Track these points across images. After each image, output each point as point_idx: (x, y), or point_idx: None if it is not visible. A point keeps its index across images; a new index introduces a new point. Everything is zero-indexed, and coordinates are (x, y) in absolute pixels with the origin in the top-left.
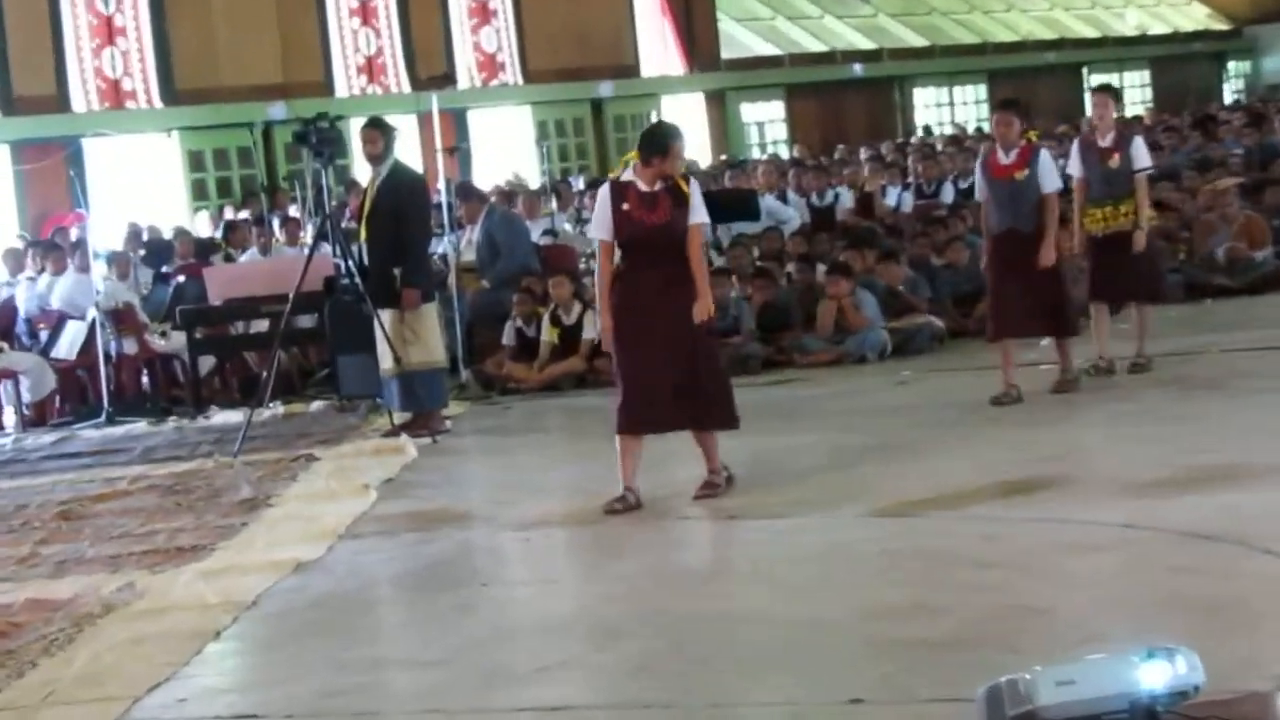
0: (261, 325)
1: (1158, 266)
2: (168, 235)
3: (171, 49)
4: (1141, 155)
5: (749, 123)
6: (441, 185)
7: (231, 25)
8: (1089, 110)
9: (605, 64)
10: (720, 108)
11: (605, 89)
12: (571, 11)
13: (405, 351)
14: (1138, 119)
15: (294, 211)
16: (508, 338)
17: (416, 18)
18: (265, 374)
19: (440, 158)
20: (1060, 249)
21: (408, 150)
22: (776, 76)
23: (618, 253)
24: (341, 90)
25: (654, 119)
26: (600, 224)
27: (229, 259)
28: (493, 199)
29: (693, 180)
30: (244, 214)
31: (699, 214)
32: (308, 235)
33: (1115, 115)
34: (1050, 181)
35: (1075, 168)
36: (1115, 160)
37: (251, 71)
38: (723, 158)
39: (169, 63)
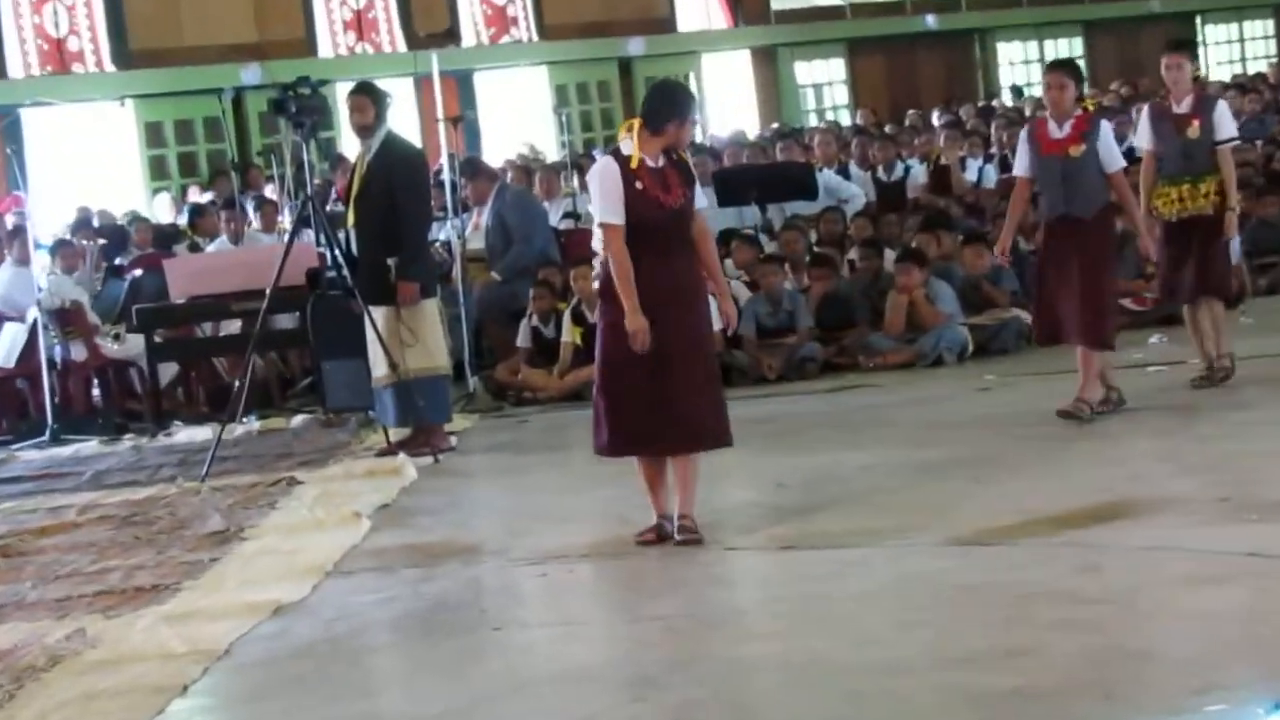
0: (233, 326)
1: (1230, 256)
2: (122, 221)
3: (125, 3)
4: (1226, 123)
5: (804, 85)
6: (444, 160)
7: None
8: (1164, 72)
9: (634, 18)
10: (770, 67)
11: (635, 47)
12: None
13: (402, 356)
14: (1260, 76)
15: (270, 192)
16: (523, 339)
17: None
18: (238, 383)
19: (442, 128)
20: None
21: (404, 120)
22: (836, 30)
23: None
24: (325, 50)
25: (692, 81)
26: (612, 205)
27: (194, 249)
28: (504, 176)
29: (691, 158)
30: (211, 196)
31: (700, 197)
32: (286, 220)
33: (1193, 77)
34: (1114, 158)
35: (1145, 139)
36: (1194, 129)
37: (220, 29)
38: (774, 126)
39: (121, 19)
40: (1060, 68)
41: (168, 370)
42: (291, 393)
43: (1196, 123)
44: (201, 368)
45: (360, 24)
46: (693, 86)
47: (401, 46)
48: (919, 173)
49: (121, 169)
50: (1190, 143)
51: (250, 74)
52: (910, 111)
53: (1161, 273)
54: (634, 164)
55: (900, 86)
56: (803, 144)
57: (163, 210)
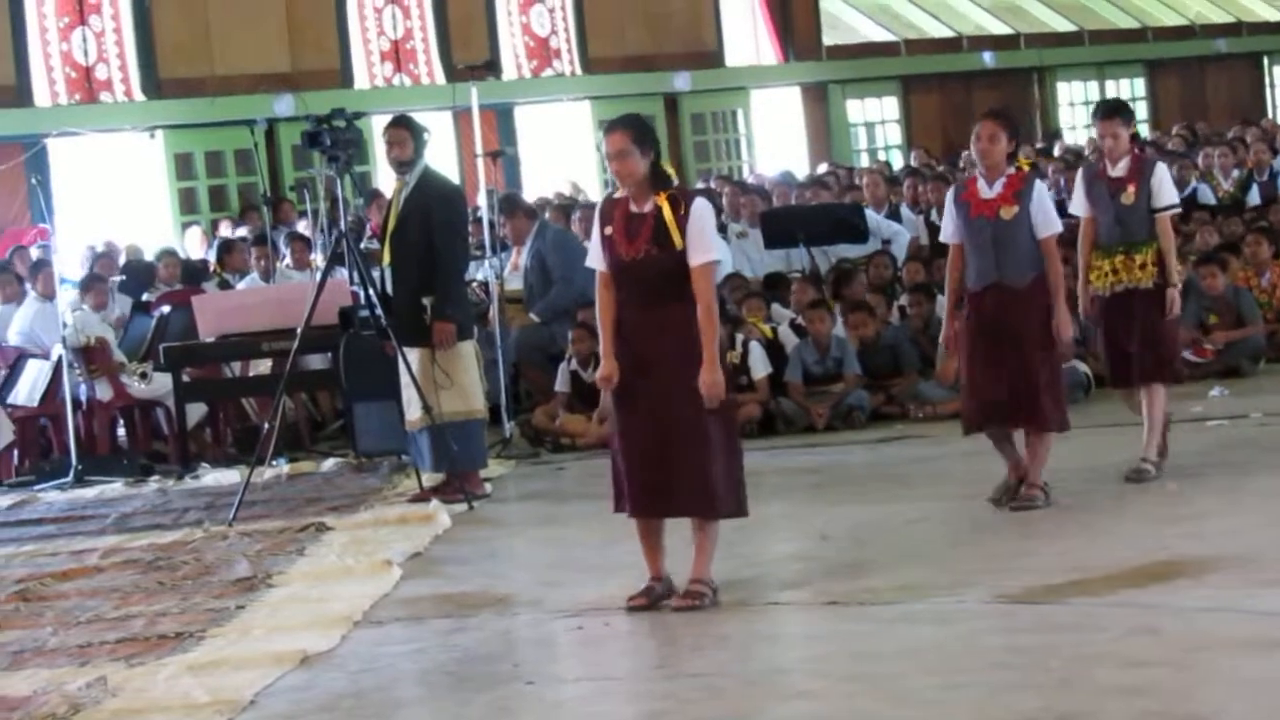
0: (263, 366)
1: (1175, 336)
2: (149, 256)
3: (155, 30)
4: (1166, 189)
5: (856, 123)
6: (482, 197)
7: (228, 1)
8: (1100, 141)
9: (681, 51)
10: (821, 105)
11: (681, 81)
12: None
13: (437, 399)
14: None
15: (303, 228)
16: (561, 383)
17: None
18: (267, 425)
19: (481, 163)
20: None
21: (441, 154)
22: (890, 67)
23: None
24: (362, 81)
25: (740, 117)
26: (593, 248)
27: (224, 285)
28: (544, 214)
29: (697, 201)
30: (242, 231)
31: (702, 249)
32: (319, 257)
33: (1131, 137)
34: (1048, 222)
35: (1079, 205)
36: (1129, 194)
37: (252, 58)
38: (823, 167)
39: (151, 47)
40: (993, 117)
41: (195, 411)
42: (322, 435)
43: (1133, 188)
44: (230, 408)
45: (398, 54)
46: (740, 123)
47: (440, 78)
48: None
49: (150, 202)
50: (1125, 209)
51: (283, 105)
52: (965, 152)
53: (1104, 354)
54: (615, 207)
55: (956, 126)
56: (843, 184)
57: (192, 245)
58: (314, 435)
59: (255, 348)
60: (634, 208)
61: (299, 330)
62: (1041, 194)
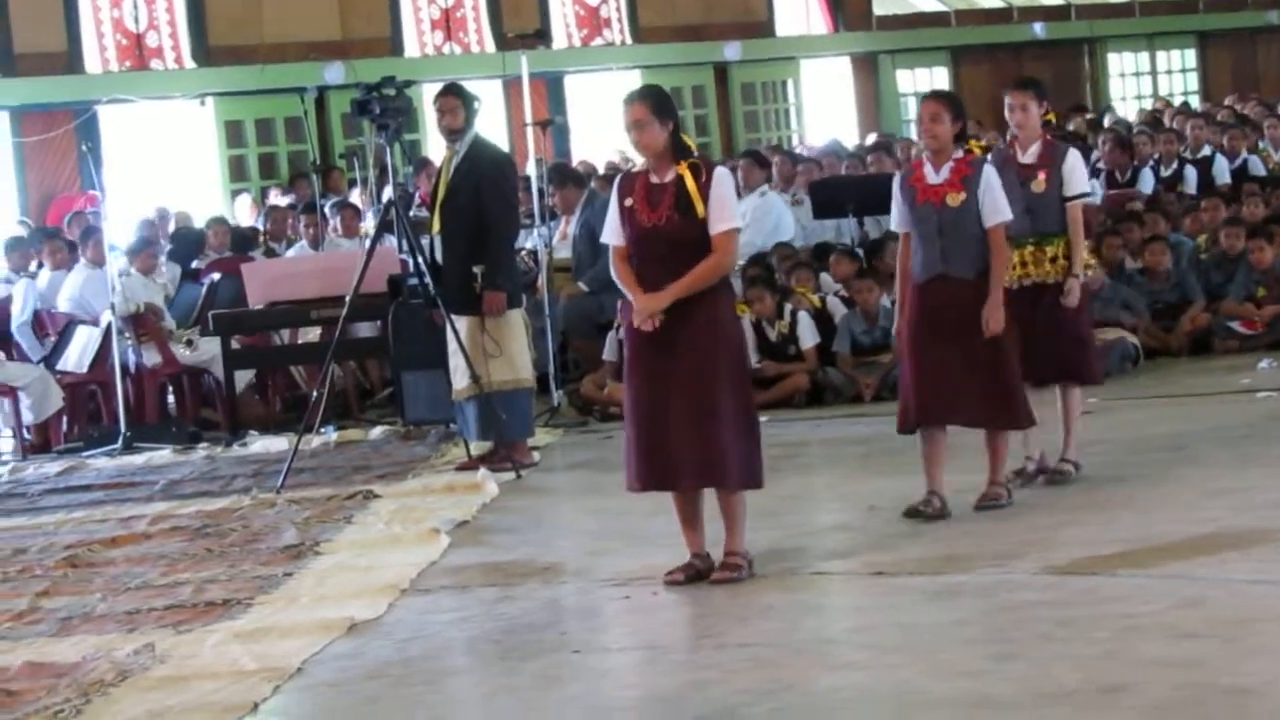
0: (312, 334)
1: (1089, 332)
2: (199, 224)
3: (205, 1)
4: (1078, 176)
5: (906, 94)
6: (532, 166)
7: None
8: (1007, 114)
9: (732, 21)
10: (871, 75)
11: (731, 51)
12: None
13: (486, 368)
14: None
15: (353, 197)
16: (609, 352)
17: None
18: (316, 393)
19: (530, 132)
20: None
21: (492, 123)
22: (939, 38)
23: None
24: (412, 49)
25: (790, 88)
26: (610, 223)
27: (272, 253)
28: (594, 184)
29: (718, 171)
30: (291, 199)
31: (724, 217)
32: (368, 225)
33: (1042, 118)
34: (996, 210)
35: (899, 218)
36: (1040, 182)
37: (302, 25)
38: (872, 137)
39: (202, 15)
40: (937, 98)
41: (244, 378)
42: (370, 403)
43: (1043, 175)
44: (278, 376)
45: (448, 23)
46: (790, 93)
47: (490, 47)
48: None
49: (200, 169)
50: (1035, 198)
51: (333, 73)
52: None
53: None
54: (635, 180)
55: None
56: (895, 155)
57: (242, 213)
58: (362, 403)
59: (304, 315)
60: (655, 178)
61: (348, 298)
62: (991, 179)
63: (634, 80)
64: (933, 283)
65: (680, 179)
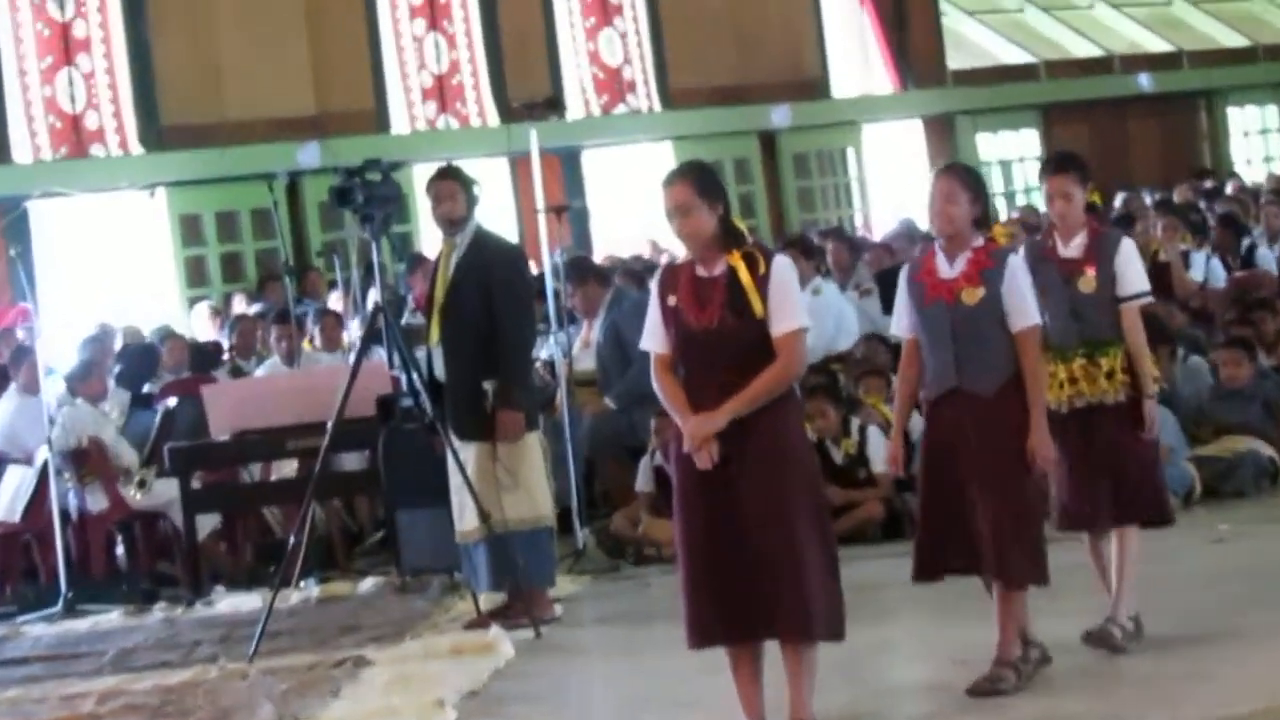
0: (288, 469)
1: (1155, 459)
2: (151, 338)
3: (156, 69)
4: (1133, 271)
5: (989, 161)
6: (546, 261)
7: (242, 33)
8: (1047, 204)
9: (779, 80)
10: (947, 139)
11: (780, 116)
12: (730, 7)
13: (498, 504)
14: None
15: (334, 302)
16: (643, 481)
17: (507, 18)
18: (293, 539)
19: (543, 220)
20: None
21: (496, 210)
22: (1027, 94)
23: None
24: (400, 124)
25: (851, 158)
26: (651, 327)
27: (238, 372)
28: (619, 280)
29: (778, 260)
30: (260, 306)
31: (787, 315)
32: (353, 336)
33: (1086, 200)
34: (1024, 311)
35: (902, 320)
36: (1088, 279)
37: (271, 100)
38: None
39: (151, 89)
40: (952, 173)
41: (207, 523)
42: (359, 550)
43: (1091, 271)
44: (249, 519)
45: (442, 92)
46: (850, 164)
47: (493, 119)
48: None
49: (151, 273)
50: (1083, 299)
51: (308, 154)
52: (1120, 194)
53: (1058, 489)
54: (679, 274)
55: (1108, 162)
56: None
57: (201, 324)
58: (350, 550)
59: (278, 446)
60: (702, 272)
61: (330, 424)
62: (1016, 273)
63: (664, 153)
64: (947, 399)
65: (732, 271)
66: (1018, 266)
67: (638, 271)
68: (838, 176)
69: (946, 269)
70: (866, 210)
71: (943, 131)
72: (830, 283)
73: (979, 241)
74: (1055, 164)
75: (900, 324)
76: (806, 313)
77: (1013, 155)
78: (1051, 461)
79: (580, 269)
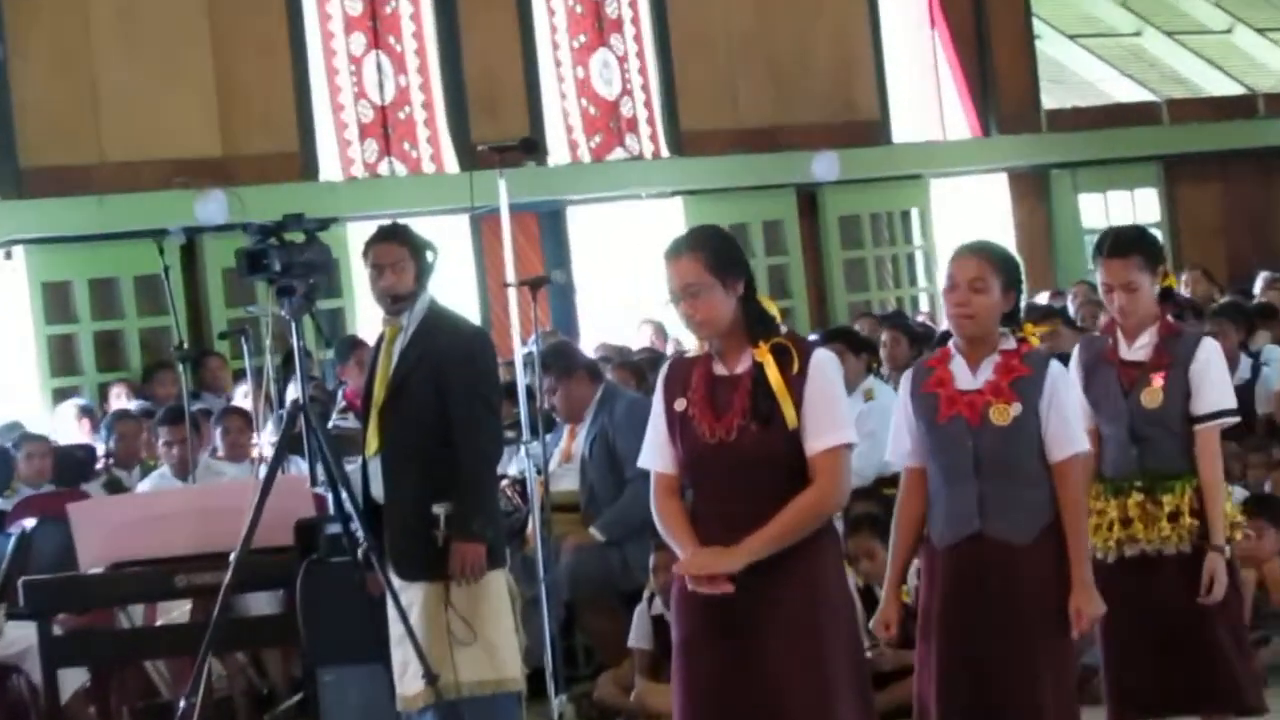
0: (178, 611)
1: (1240, 634)
2: (2, 440)
3: (15, 99)
4: (1213, 381)
5: (1094, 229)
6: (518, 350)
7: (127, 53)
8: (1104, 294)
9: (824, 120)
10: (1040, 200)
11: (824, 166)
12: (762, 27)
13: (450, 662)
14: None
15: (241, 398)
16: (639, 635)
17: (472, 35)
18: (184, 702)
19: (514, 297)
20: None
21: (455, 283)
22: (1144, 141)
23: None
24: (331, 170)
25: (915, 222)
26: (650, 440)
27: (116, 486)
28: (612, 375)
29: (817, 356)
30: (145, 403)
31: (827, 425)
32: (265, 443)
33: (1159, 286)
34: (1069, 435)
35: (903, 448)
36: (1155, 392)
37: (163, 137)
38: (1043, 297)
39: (9, 123)
40: (978, 253)
41: (73, 679)
42: (270, 718)
43: (1159, 381)
44: (127, 676)
45: (386, 129)
46: (915, 229)
47: (452, 165)
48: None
49: (7, 356)
50: (1146, 417)
51: (211, 207)
52: (1263, 274)
53: (1106, 664)
54: (691, 370)
55: (1249, 231)
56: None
57: (67, 425)
58: (258, 718)
59: (166, 583)
60: (720, 369)
61: (233, 556)
62: (1058, 386)
63: (673, 212)
64: (965, 548)
65: (759, 369)
66: (1059, 377)
67: (637, 364)
68: (898, 246)
69: (967, 378)
70: (935, 289)
71: (1034, 189)
72: (886, 385)
73: (1010, 344)
74: (1113, 245)
75: (900, 448)
76: (853, 424)
77: (1124, 220)
78: (1096, 621)
79: (562, 360)
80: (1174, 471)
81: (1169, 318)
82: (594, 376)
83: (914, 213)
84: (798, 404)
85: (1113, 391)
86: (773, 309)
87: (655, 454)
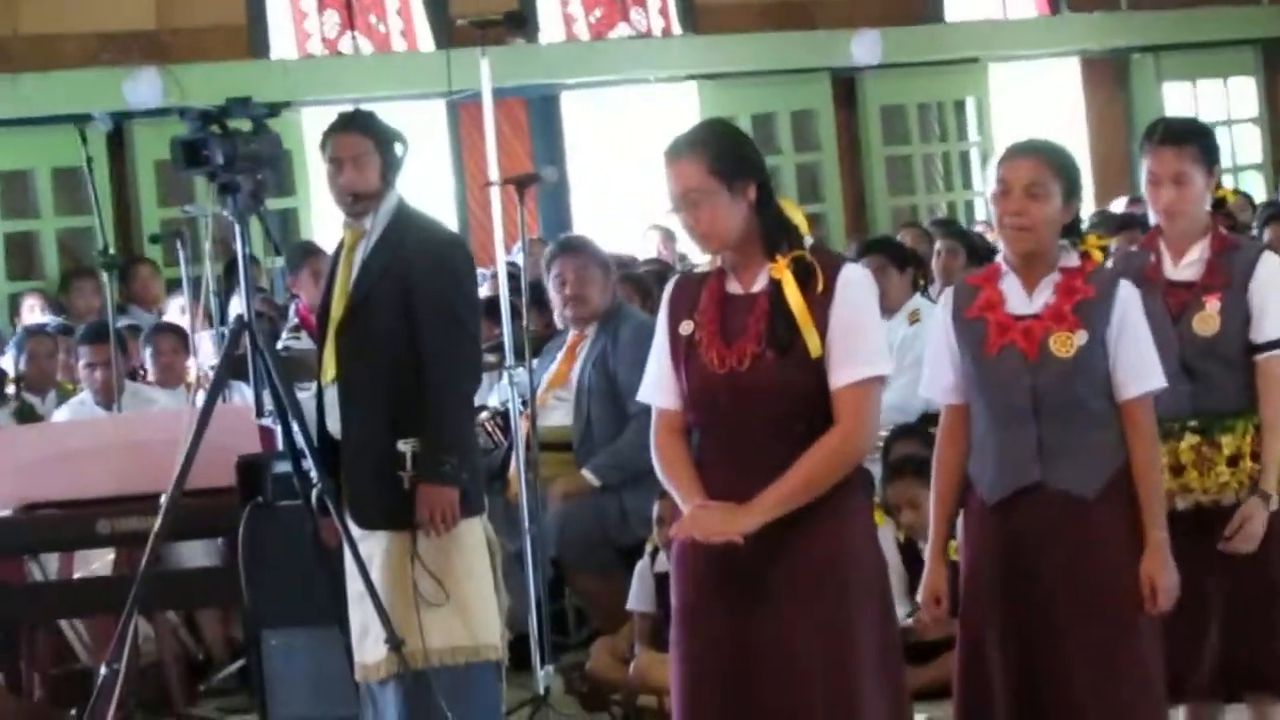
0: (101, 562)
1: None
2: None
3: None
4: (1275, 303)
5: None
6: (501, 260)
7: None
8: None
9: None
10: (1118, 89)
11: (864, 48)
12: None
13: (417, 626)
14: None
15: (175, 313)
16: (639, 597)
17: None
18: (105, 669)
19: (497, 198)
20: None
21: (429, 181)
22: (1240, 22)
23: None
24: (284, 46)
25: (971, 113)
26: (651, 371)
27: (28, 414)
28: (616, 290)
29: (846, 271)
30: (62, 317)
31: (855, 355)
32: (203, 365)
33: (1211, 195)
34: (1143, 369)
35: (940, 381)
36: (1209, 317)
37: (86, 5)
38: (1119, 203)
39: None
40: (1034, 153)
41: None
42: (206, 687)
43: (1213, 303)
44: (39, 638)
45: (350, 2)
46: (970, 122)
47: (427, 43)
48: None
49: None
50: (1199, 346)
51: (142, 89)
52: None
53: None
54: (700, 290)
55: None
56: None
57: None
58: (192, 687)
59: (86, 530)
60: (734, 287)
61: (164, 498)
62: (1128, 308)
63: (686, 100)
64: (1017, 503)
65: (777, 289)
66: (1130, 299)
67: (641, 278)
68: (949, 142)
69: (1022, 301)
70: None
71: (1111, 77)
72: (935, 305)
73: (1072, 260)
74: (1166, 130)
75: (939, 382)
76: (886, 353)
77: (1217, 115)
78: (1171, 588)
79: (586, 246)
80: (1233, 409)
81: (1220, 230)
82: (610, 278)
83: (969, 103)
84: (822, 329)
85: (1158, 318)
86: (797, 216)
87: (657, 387)
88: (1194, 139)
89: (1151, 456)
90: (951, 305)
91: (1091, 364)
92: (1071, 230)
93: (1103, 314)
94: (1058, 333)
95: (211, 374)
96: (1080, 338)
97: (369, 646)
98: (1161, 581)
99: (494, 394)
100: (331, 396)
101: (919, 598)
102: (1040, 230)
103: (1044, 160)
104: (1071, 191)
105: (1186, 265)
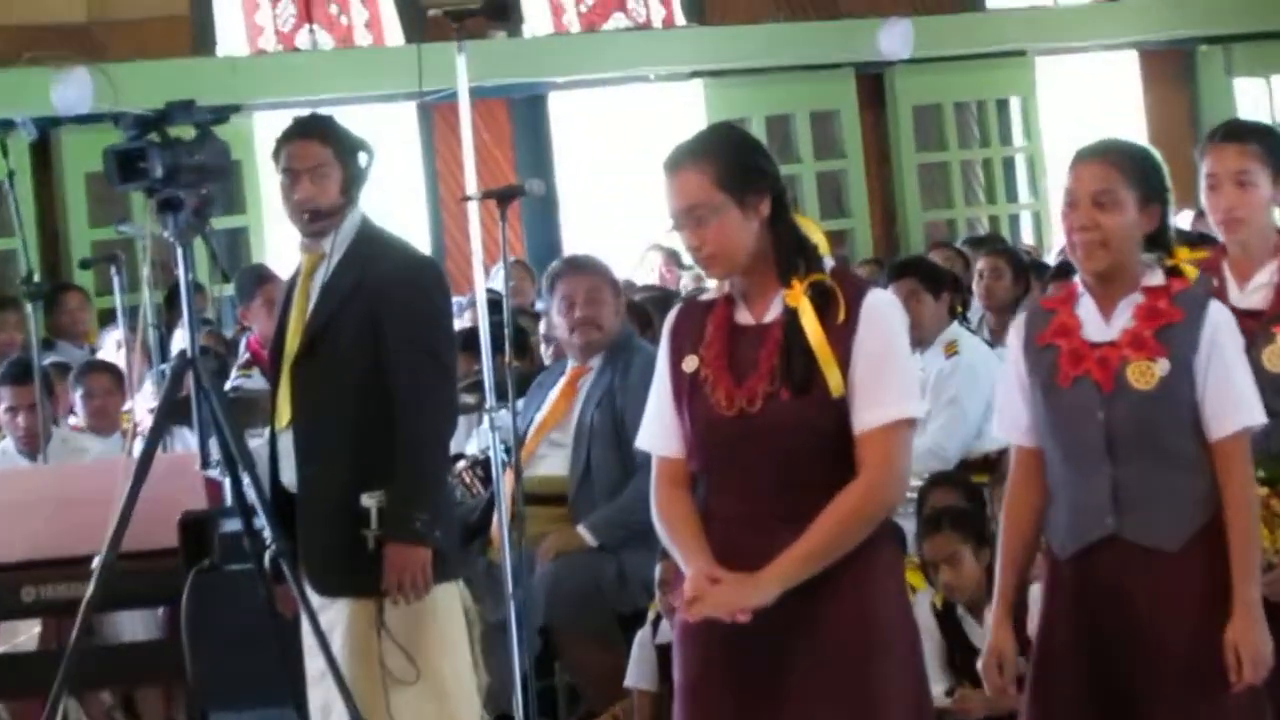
0: (24, 635)
1: None
2: None
3: None
4: None
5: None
6: (480, 285)
7: None
8: (1208, 196)
9: None
10: (1182, 85)
11: (894, 39)
12: None
13: (385, 706)
14: None
15: (109, 348)
16: (639, 671)
17: None
18: None
19: (476, 213)
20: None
21: (397, 195)
22: None
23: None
24: (233, 42)
25: (1016, 113)
26: (651, 413)
27: None
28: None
29: (872, 298)
30: None
31: (882, 393)
32: (141, 409)
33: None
34: (1239, 402)
35: (1013, 420)
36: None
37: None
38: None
39: None
40: (1107, 155)
41: None
42: None
43: None
44: None
45: None
46: (1015, 123)
47: (395, 36)
48: None
49: None
50: (1271, 381)
51: (71, 90)
52: None
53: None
54: (705, 319)
55: None
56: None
57: None
58: None
59: (8, 598)
60: (744, 316)
61: (98, 562)
62: (1221, 332)
63: (691, 100)
64: (1093, 557)
65: (792, 318)
66: (1223, 324)
67: (641, 305)
68: (992, 147)
69: (1099, 326)
70: (1042, 206)
71: (1174, 70)
72: (975, 336)
73: (1156, 278)
74: (1228, 129)
75: (1014, 421)
76: (917, 392)
77: None
78: (1264, 657)
79: (596, 264)
80: None
81: None
82: (621, 301)
83: (1013, 102)
84: (844, 364)
85: None
86: (816, 234)
87: (657, 432)
88: (1260, 137)
89: (1245, 502)
90: (1024, 332)
91: (1176, 397)
92: (1158, 242)
93: (1190, 339)
94: (1136, 361)
95: (151, 419)
96: (1162, 367)
97: None
98: (1249, 649)
99: (473, 440)
100: (286, 443)
101: (979, 665)
102: (1114, 245)
103: (1112, 163)
104: (1150, 196)
105: (1253, 290)
